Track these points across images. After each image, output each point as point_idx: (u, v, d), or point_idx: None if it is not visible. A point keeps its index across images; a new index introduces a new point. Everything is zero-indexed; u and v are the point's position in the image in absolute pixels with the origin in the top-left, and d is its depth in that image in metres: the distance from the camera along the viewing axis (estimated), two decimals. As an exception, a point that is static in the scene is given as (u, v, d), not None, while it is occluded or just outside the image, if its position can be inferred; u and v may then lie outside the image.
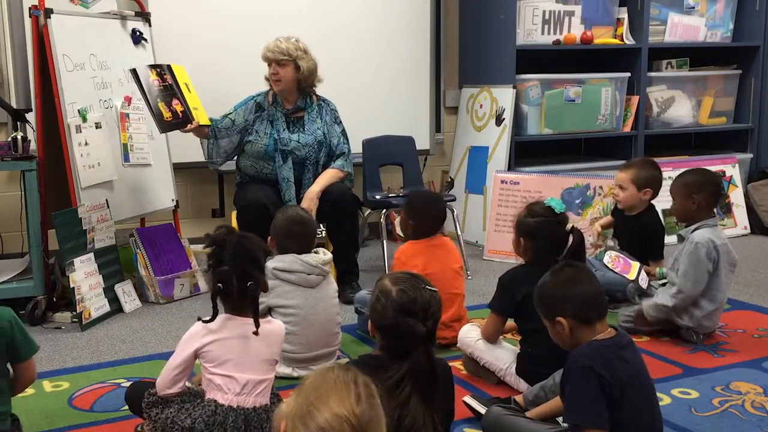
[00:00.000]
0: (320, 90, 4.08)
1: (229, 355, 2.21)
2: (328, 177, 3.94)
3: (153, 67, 3.92)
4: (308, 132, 3.97)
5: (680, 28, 5.44)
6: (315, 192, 3.86)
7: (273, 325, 2.34)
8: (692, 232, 3.18)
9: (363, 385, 1.33)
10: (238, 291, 2.22)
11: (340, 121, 4.07)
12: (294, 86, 3.95)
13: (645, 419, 2.00)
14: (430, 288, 2.00)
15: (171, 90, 3.91)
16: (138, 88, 3.82)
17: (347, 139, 4.07)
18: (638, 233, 3.70)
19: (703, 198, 3.18)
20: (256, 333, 2.21)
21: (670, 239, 4.86)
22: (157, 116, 3.80)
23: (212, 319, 2.24)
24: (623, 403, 1.93)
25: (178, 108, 3.89)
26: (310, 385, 1.33)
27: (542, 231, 2.74)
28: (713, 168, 4.65)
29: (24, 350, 2.20)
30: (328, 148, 4.01)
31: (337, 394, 1.29)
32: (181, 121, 3.87)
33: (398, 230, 4.97)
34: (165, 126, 3.85)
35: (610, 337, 2.02)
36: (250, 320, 2.23)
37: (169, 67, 3.98)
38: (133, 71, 3.81)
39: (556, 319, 2.05)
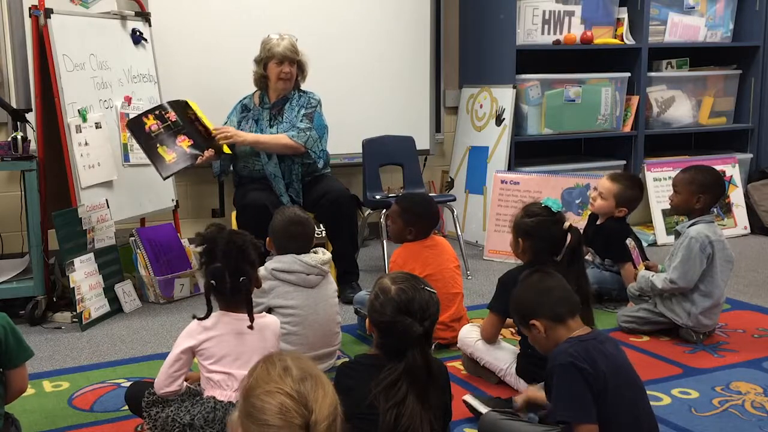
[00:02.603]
0: (321, 89, 4.08)
1: (225, 351, 2.22)
2: (271, 137, 3.91)
3: (151, 111, 3.83)
4: (286, 121, 3.97)
5: (680, 28, 5.44)
6: (248, 139, 3.87)
7: (267, 319, 2.36)
8: (688, 227, 3.21)
9: (291, 359, 1.37)
10: (231, 287, 2.24)
11: (312, 107, 4.00)
12: (293, 83, 4.00)
13: (631, 412, 1.99)
14: (428, 289, 2.00)
15: (175, 128, 3.82)
16: (136, 141, 3.81)
17: (311, 122, 3.97)
18: (603, 238, 3.77)
19: (708, 198, 3.23)
20: (251, 327, 2.23)
21: (668, 239, 4.89)
22: (158, 164, 3.74)
23: (207, 316, 2.26)
24: (607, 396, 1.94)
25: (185, 144, 3.82)
26: (244, 387, 1.37)
27: (540, 231, 2.74)
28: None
29: (16, 356, 2.15)
30: None
31: (264, 377, 1.34)
32: (189, 156, 3.80)
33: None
34: (168, 169, 3.77)
35: (587, 333, 2.04)
36: (244, 316, 2.26)
37: (176, 103, 3.89)
38: (127, 126, 3.79)
39: (530, 322, 2.09)
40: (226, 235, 2.29)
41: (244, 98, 4.10)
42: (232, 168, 4.14)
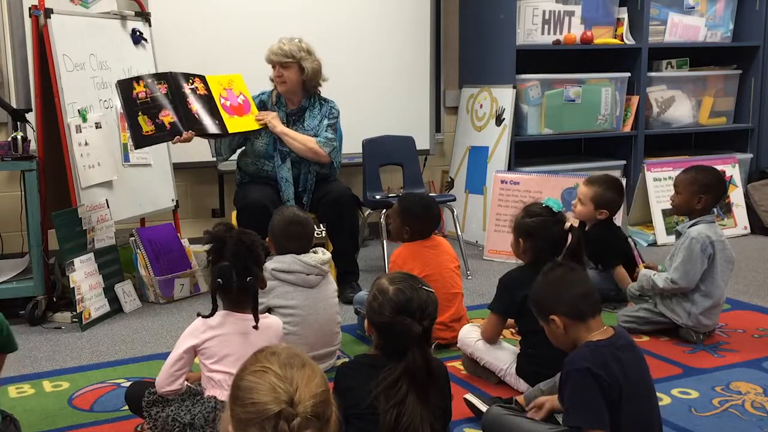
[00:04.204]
0: (321, 89, 4.07)
1: (227, 351, 2.22)
2: (302, 137, 3.91)
3: (143, 77, 3.76)
4: (308, 128, 3.97)
5: (680, 28, 5.44)
6: (279, 128, 3.88)
7: (269, 319, 2.37)
8: (689, 227, 3.21)
9: (281, 347, 1.38)
10: (238, 286, 2.24)
11: (334, 117, 4.01)
12: (299, 87, 3.96)
13: (643, 421, 1.99)
14: (426, 288, 2.00)
15: (163, 101, 3.74)
16: (120, 102, 3.73)
17: (335, 132, 4.01)
18: (590, 246, 3.72)
19: (709, 199, 3.23)
20: (256, 327, 2.24)
21: (668, 239, 4.89)
22: (134, 132, 3.64)
23: (212, 315, 2.26)
24: (621, 404, 1.93)
25: (167, 119, 3.72)
26: (234, 378, 1.37)
27: (541, 231, 2.74)
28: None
29: (6, 344, 2.26)
30: None
31: (252, 362, 1.35)
32: (168, 133, 3.73)
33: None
34: (141, 140, 3.67)
35: (607, 338, 2.02)
36: (249, 316, 2.25)
37: (177, 75, 3.83)
38: (115, 85, 3.71)
39: (550, 317, 2.06)
40: (235, 235, 2.29)
41: (262, 93, 4.07)
42: (236, 166, 4.14)
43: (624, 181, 4.76)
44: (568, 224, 2.76)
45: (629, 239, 3.91)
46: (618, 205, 3.81)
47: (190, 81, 3.87)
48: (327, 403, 1.31)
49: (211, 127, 3.83)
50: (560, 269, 2.14)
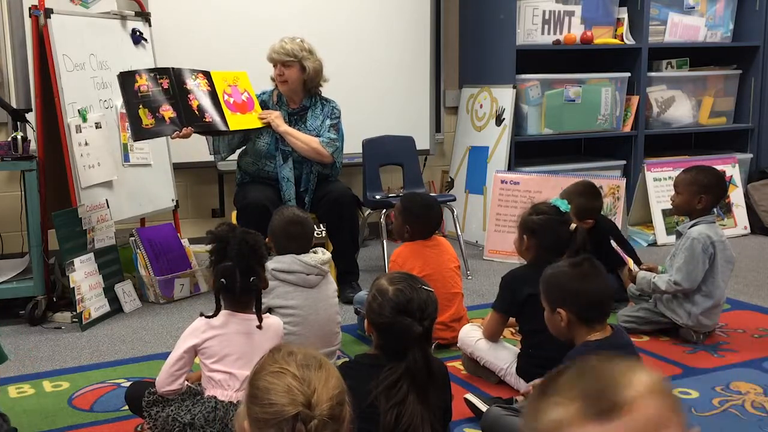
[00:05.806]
0: (322, 90, 4.08)
1: (228, 351, 2.22)
2: (305, 136, 3.91)
3: (147, 71, 3.77)
4: (310, 128, 3.97)
5: (680, 28, 5.44)
6: (282, 128, 3.88)
7: (270, 319, 2.37)
8: (690, 228, 3.21)
9: (296, 346, 1.38)
10: (241, 286, 2.24)
11: (336, 117, 4.02)
12: (300, 86, 3.96)
13: None
14: (426, 288, 2.00)
15: (164, 96, 3.73)
16: (121, 94, 3.72)
17: (337, 133, 4.02)
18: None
19: (709, 199, 3.23)
20: (259, 327, 2.24)
21: (668, 239, 4.89)
22: (133, 125, 3.63)
23: (215, 315, 2.26)
24: None
25: (167, 114, 3.72)
26: (249, 375, 1.38)
27: (547, 229, 2.74)
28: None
29: None
30: None
31: (270, 361, 1.35)
32: (167, 127, 3.71)
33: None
34: (140, 133, 3.67)
35: (605, 337, 2.02)
36: (252, 316, 2.26)
37: (181, 71, 3.83)
38: (118, 77, 3.70)
39: (558, 309, 2.06)
40: (239, 235, 2.29)
41: (263, 93, 4.07)
42: (237, 166, 4.14)
43: (624, 181, 4.79)
44: (573, 225, 2.76)
45: (623, 239, 3.89)
46: (598, 209, 3.72)
47: (194, 77, 3.87)
48: (343, 404, 1.31)
49: (212, 123, 3.83)
50: (588, 266, 2.12)
